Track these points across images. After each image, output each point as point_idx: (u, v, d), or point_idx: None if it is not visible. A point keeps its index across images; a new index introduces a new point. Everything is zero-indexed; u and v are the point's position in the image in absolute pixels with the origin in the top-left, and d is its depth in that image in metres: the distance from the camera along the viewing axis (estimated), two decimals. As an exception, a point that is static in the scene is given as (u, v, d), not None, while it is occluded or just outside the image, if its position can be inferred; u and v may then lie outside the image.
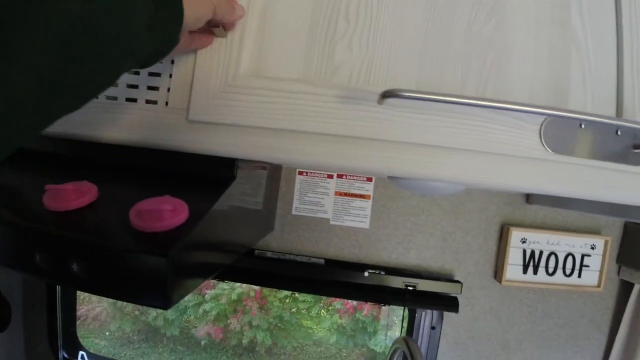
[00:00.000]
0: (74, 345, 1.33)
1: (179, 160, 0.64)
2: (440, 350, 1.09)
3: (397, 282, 1.03)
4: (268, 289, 4.02)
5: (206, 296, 3.85)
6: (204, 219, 0.55)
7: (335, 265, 1.07)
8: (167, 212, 0.52)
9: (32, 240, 0.55)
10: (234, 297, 3.80)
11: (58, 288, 1.27)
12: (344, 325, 3.96)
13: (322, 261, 1.07)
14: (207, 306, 3.83)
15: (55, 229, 0.54)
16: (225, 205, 0.64)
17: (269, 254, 1.07)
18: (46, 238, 0.54)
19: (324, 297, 4.03)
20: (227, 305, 3.84)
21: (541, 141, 0.57)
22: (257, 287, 3.95)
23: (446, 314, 1.07)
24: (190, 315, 3.99)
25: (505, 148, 0.57)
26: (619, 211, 0.70)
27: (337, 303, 3.89)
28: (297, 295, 3.99)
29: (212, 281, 3.97)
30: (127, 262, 0.51)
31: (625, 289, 1.11)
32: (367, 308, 3.14)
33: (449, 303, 1.03)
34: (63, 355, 1.31)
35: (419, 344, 1.07)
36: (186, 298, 4.21)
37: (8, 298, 1.19)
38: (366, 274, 1.03)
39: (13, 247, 0.57)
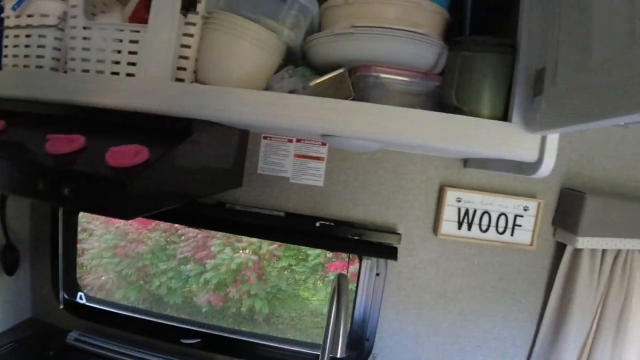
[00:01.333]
0: (73, 288, 1.51)
1: (150, 119, 0.82)
2: (384, 295, 1.24)
3: (345, 232, 1.19)
4: (266, 260, 4.19)
5: (207, 265, 4.04)
6: (160, 162, 0.73)
7: (293, 217, 1.24)
8: (130, 153, 0.70)
9: (37, 173, 0.74)
10: (233, 266, 3.98)
11: (60, 236, 1.44)
12: (339, 297, 4.10)
13: (282, 214, 1.24)
14: (208, 275, 4.01)
15: (53, 165, 0.74)
16: (182, 153, 0.81)
17: (237, 207, 1.24)
18: (47, 171, 0.73)
19: (320, 269, 4.19)
20: (227, 274, 4.02)
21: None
22: (255, 258, 4.13)
23: (390, 263, 1.22)
24: (192, 284, 4.19)
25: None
26: (519, 169, 0.83)
27: (332, 274, 4.04)
28: (294, 266, 4.17)
29: (213, 251, 4.17)
30: (103, 187, 0.70)
31: (560, 249, 1.22)
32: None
33: (389, 252, 1.17)
34: (64, 296, 1.49)
35: (364, 288, 1.23)
36: (188, 267, 4.35)
37: (17, 246, 1.38)
38: (317, 224, 1.19)
39: (23, 180, 0.77)
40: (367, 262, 1.22)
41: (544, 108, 0.66)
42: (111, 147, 0.72)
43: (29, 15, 0.94)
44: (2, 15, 0.97)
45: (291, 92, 0.81)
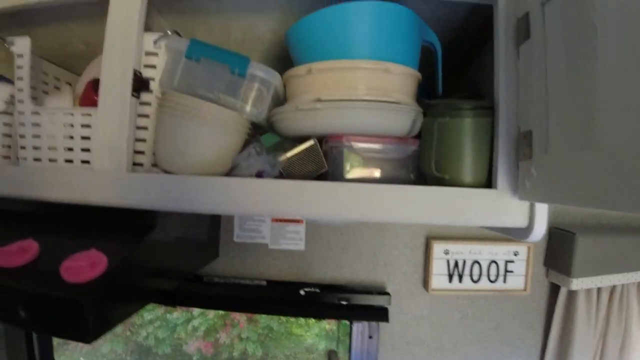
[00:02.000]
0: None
1: (108, 213, 0.75)
2: (379, 357, 1.17)
3: (332, 297, 1.12)
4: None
5: (194, 312, 3.91)
6: (121, 269, 0.66)
7: (275, 285, 1.17)
8: (85, 266, 0.64)
9: None
10: (221, 311, 3.86)
11: (35, 340, 1.35)
12: (332, 330, 4.02)
13: (264, 283, 1.17)
14: (195, 322, 3.88)
15: (6, 283, 0.66)
16: (147, 250, 0.74)
17: (216, 279, 1.17)
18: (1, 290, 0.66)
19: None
20: (216, 319, 3.89)
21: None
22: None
23: (382, 323, 1.16)
24: (180, 332, 4.04)
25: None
26: (508, 232, 0.79)
27: (324, 310, 3.94)
28: (284, 305, 4.03)
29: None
30: (59, 308, 0.63)
31: (555, 290, 1.19)
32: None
33: (380, 314, 1.12)
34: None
35: (358, 352, 1.16)
36: (174, 315, 4.24)
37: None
38: (302, 292, 1.12)
39: None
40: (358, 326, 1.15)
41: (534, 177, 0.61)
42: (66, 259, 0.65)
43: (-26, 100, 0.86)
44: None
45: (260, 173, 0.75)
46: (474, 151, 0.71)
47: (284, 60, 1.00)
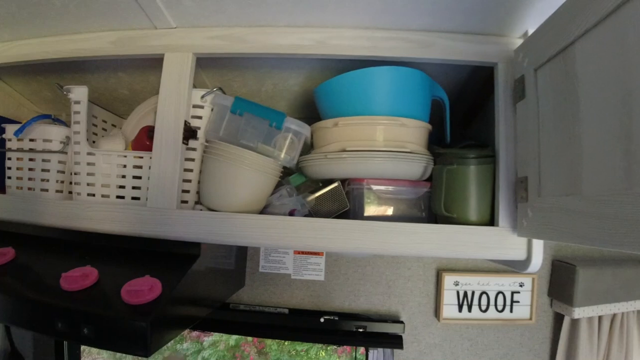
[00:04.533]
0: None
1: (158, 244, 0.86)
2: (394, 383, 1.25)
3: (349, 325, 1.21)
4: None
5: (204, 343, 3.95)
6: (173, 293, 0.76)
7: (297, 313, 1.26)
8: (145, 290, 0.74)
9: (55, 313, 0.76)
10: (231, 343, 3.90)
11: (65, 344, 1.43)
12: (344, 365, 4.03)
13: (286, 310, 1.26)
14: (205, 353, 3.92)
15: (72, 305, 0.76)
16: (192, 277, 0.85)
17: (241, 307, 1.26)
18: (66, 312, 0.76)
19: (321, 338, 4.09)
20: (226, 351, 3.92)
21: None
22: (254, 332, 4.02)
23: (396, 350, 1.23)
24: (190, 363, 4.06)
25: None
26: (509, 263, 0.88)
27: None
28: (294, 337, 4.05)
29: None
30: (121, 326, 0.73)
31: (559, 319, 1.26)
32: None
33: (395, 341, 1.19)
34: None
35: (374, 378, 1.24)
36: (185, 346, 4.27)
37: (22, 353, 1.37)
38: (322, 320, 1.21)
39: (40, 318, 0.79)
40: (373, 352, 1.23)
41: (530, 217, 0.71)
42: (125, 284, 0.76)
43: (32, 140, 0.97)
44: (4, 136, 0.99)
45: (292, 212, 0.86)
46: (478, 194, 0.82)
47: (307, 107, 1.13)
